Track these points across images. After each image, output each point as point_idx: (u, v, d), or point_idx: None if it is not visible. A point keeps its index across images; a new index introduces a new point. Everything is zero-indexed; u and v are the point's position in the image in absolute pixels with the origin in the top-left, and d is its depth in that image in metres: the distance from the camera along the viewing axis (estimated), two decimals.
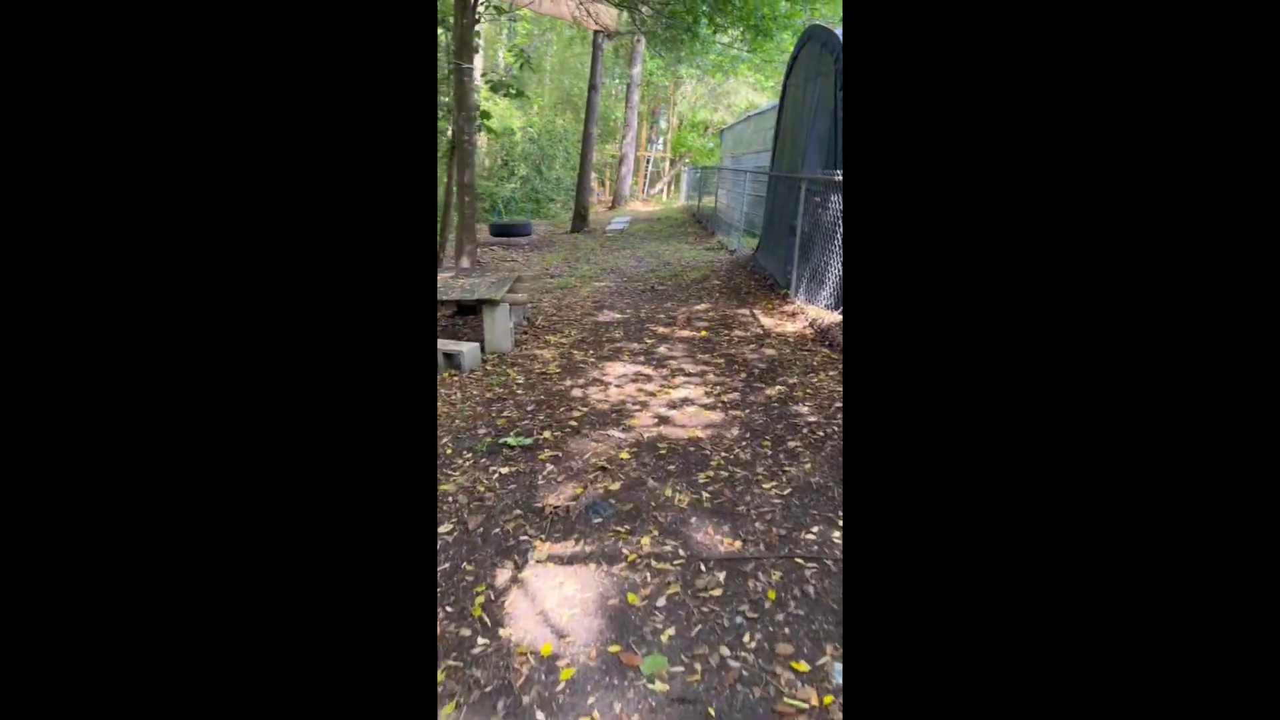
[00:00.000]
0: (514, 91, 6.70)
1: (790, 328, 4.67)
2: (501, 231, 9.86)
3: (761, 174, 8.43)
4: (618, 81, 18.92)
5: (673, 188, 22.01)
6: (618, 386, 3.55)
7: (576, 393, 3.46)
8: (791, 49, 7.00)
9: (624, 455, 2.68)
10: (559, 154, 15.82)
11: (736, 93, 17.81)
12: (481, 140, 17.22)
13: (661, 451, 2.71)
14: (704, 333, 4.61)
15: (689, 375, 3.71)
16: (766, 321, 4.88)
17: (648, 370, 3.83)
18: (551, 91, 21.18)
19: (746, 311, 5.19)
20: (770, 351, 4.13)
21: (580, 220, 11.46)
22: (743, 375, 3.69)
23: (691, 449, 2.74)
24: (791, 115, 6.51)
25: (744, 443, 2.79)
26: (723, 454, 2.68)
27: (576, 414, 3.15)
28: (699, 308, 5.41)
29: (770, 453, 2.69)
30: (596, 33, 10.69)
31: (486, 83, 6.12)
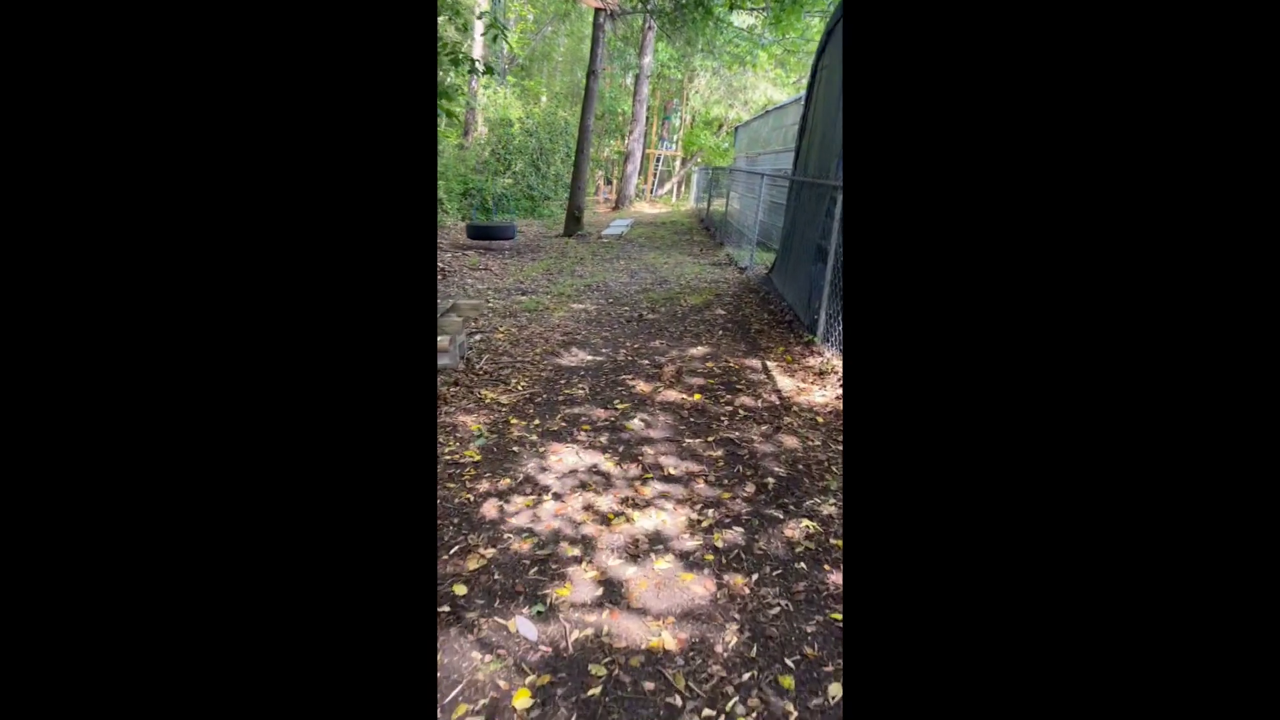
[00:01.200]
0: (482, 69, 5.48)
1: (818, 397, 3.40)
2: (479, 234, 8.60)
3: (781, 178, 7.17)
4: (628, 76, 17.61)
5: (683, 188, 20.72)
6: (557, 498, 2.31)
7: (490, 509, 2.22)
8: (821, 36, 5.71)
9: (521, 698, 1.44)
10: (560, 148, 14.55)
11: (754, 88, 16.39)
12: (480, 130, 16.03)
13: (592, 688, 1.47)
14: (698, 396, 3.35)
15: (669, 481, 2.46)
16: (785, 383, 3.60)
17: (609, 465, 2.58)
18: (562, 83, 19.93)
19: (757, 364, 3.91)
20: (790, 441, 2.86)
21: (574, 223, 10.21)
22: (749, 488, 2.43)
23: (649, 683, 1.49)
24: (823, 107, 5.23)
25: (746, 674, 1.53)
26: (705, 709, 1.42)
27: (474, 564, 1.91)
28: (695, 352, 4.15)
29: (795, 713, 1.43)
30: (598, 10, 9.44)
31: (446, 55, 4.91)
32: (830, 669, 1.55)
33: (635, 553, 2.00)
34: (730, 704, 1.44)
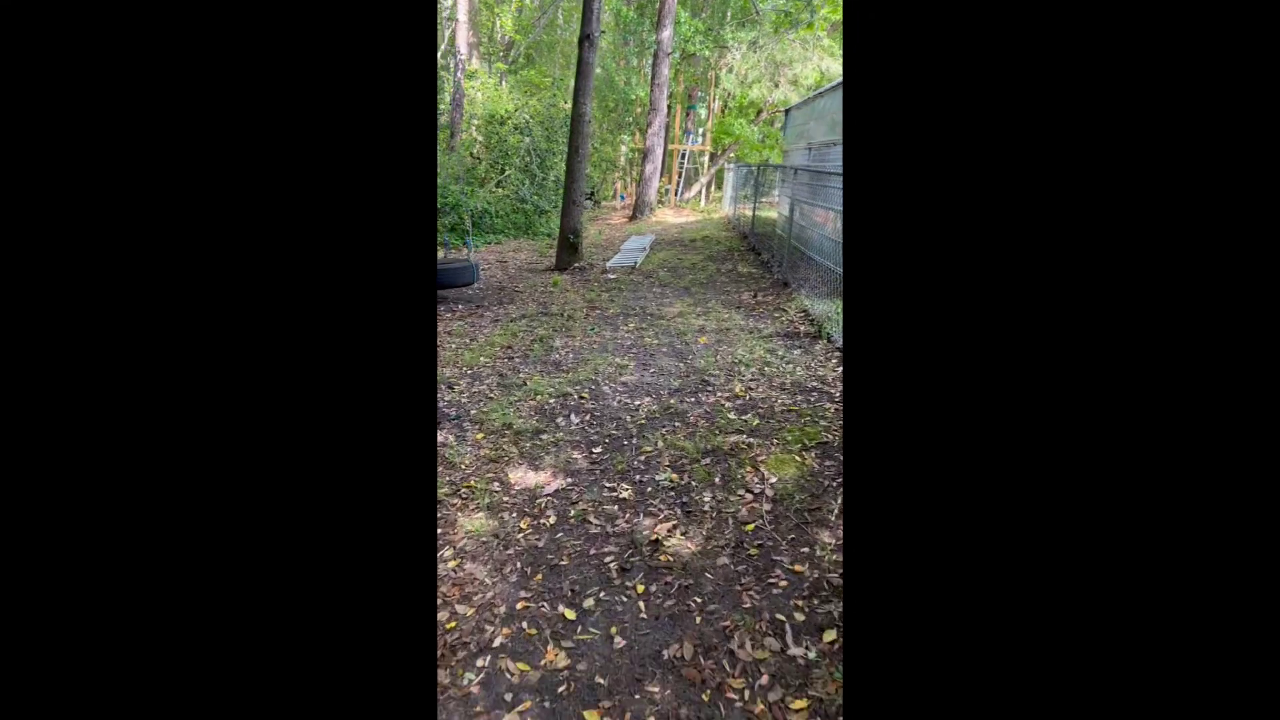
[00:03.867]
0: None
1: None
2: None
3: None
4: (645, 56, 14.57)
5: (713, 188, 17.61)
6: None
7: None
8: None
9: None
10: (560, 148, 11.62)
11: (804, 61, 13.09)
12: (471, 133, 13.28)
13: None
14: None
15: None
16: None
17: None
18: (572, 77, 17.05)
19: None
20: None
21: (568, 251, 7.26)
22: None
23: None
24: None
25: None
26: None
27: None
28: None
29: None
30: None
31: None
32: None
33: None
34: None
